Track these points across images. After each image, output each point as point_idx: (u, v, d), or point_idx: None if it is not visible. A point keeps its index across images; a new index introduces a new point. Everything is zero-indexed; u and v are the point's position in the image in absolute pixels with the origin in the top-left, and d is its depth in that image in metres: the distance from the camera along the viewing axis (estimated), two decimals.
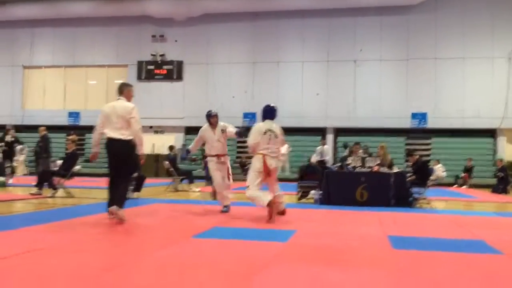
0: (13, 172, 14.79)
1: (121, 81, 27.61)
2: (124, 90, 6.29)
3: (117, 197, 5.91)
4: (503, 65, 20.94)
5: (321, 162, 14.87)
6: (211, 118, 7.97)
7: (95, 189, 12.19)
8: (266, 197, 6.53)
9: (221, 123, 7.99)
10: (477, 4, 21.27)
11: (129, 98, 6.27)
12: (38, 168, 12.19)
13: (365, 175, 9.45)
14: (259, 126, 6.95)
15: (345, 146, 17.64)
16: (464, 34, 21.31)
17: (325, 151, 17.61)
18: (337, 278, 3.46)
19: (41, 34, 25.38)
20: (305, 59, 22.89)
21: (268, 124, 6.95)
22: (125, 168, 6.05)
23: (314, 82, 22.74)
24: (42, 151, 12.11)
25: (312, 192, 9.99)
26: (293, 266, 3.83)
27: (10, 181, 13.35)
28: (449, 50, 21.46)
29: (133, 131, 5.95)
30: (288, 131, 21.89)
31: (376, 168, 9.69)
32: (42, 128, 12.54)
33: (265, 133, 6.79)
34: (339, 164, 11.74)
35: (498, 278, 3.64)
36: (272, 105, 7.22)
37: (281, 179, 20.57)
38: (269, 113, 7.11)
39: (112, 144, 5.94)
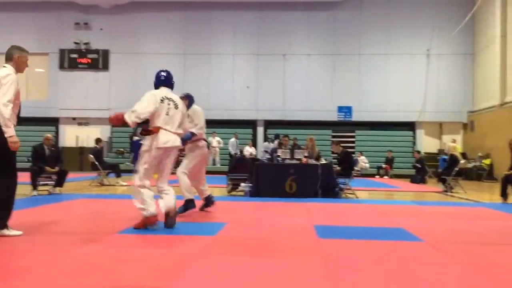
0: None
1: (41, 70, 25.90)
2: (13, 56, 4.78)
3: None
4: (422, 62, 22.16)
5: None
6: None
7: None
8: (152, 207, 5.20)
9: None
10: (399, 3, 22.32)
11: (19, 68, 4.85)
12: None
13: (294, 167, 9.64)
14: (153, 91, 5.54)
15: (276, 136, 17.95)
16: (387, 31, 22.29)
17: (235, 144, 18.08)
18: (263, 267, 3.51)
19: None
20: (236, 51, 22.90)
21: (165, 91, 5.59)
22: None
23: (244, 75, 22.82)
24: None
25: (242, 184, 10.05)
26: (220, 258, 3.83)
27: None
28: (372, 46, 22.36)
29: None
30: (220, 123, 22.15)
31: (304, 160, 9.92)
32: None
33: (162, 101, 5.39)
34: (269, 156, 11.89)
35: (418, 263, 3.86)
36: (167, 70, 5.99)
37: (212, 172, 20.57)
38: (166, 79, 5.79)
39: None
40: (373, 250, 4.30)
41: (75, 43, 22.93)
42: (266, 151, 17.62)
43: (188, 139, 6.30)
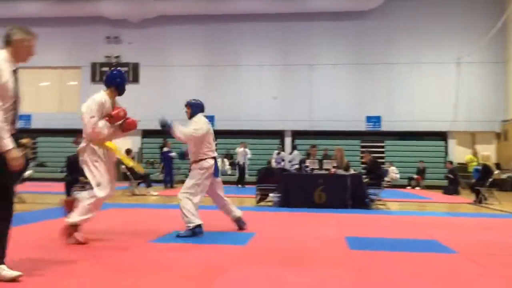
0: None
1: (74, 82, 26.46)
2: (12, 38, 3.52)
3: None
4: (453, 70, 21.77)
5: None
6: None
7: (47, 194, 11.78)
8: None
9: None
10: (427, 10, 22.05)
11: (19, 54, 3.59)
12: None
13: (323, 177, 9.58)
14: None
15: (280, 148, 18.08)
16: (415, 40, 22.02)
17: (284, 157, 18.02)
18: (295, 279, 3.49)
19: None
20: (262, 62, 23.00)
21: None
22: None
23: (271, 86, 22.88)
24: None
25: (271, 195, 10.04)
26: (252, 268, 3.83)
27: None
28: (400, 55, 22.12)
29: None
30: (247, 133, 22.19)
31: (333, 171, 9.85)
32: None
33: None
34: (297, 166, 11.85)
35: (453, 275, 3.77)
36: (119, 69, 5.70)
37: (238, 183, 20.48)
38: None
39: None
40: (406, 262, 4.23)
41: (106, 56, 23.49)
42: (278, 162, 17.75)
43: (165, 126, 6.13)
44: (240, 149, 18.73)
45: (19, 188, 10.03)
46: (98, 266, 3.81)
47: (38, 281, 3.29)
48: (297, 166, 13.03)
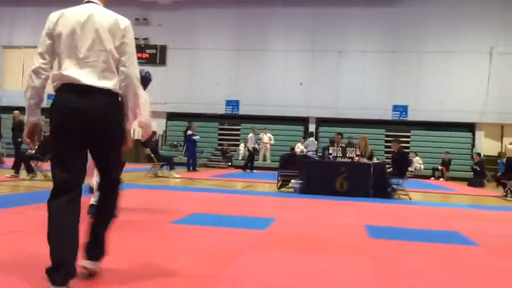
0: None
1: None
2: None
3: (94, 240, 2.88)
4: (484, 60, 21.23)
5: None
6: None
7: None
8: None
9: None
10: (467, 0, 21.47)
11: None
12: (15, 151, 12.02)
13: (345, 165, 9.53)
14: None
15: (310, 134, 18.10)
16: (450, 28, 21.50)
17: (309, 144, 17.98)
18: (314, 265, 3.50)
19: (23, 14, 24.81)
20: (290, 48, 22.86)
21: None
22: (111, 157, 2.84)
23: (298, 72, 22.75)
24: (17, 136, 11.99)
25: (293, 181, 10.05)
26: (270, 253, 3.86)
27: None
28: (433, 44, 21.65)
29: (126, 77, 2.77)
30: (271, 119, 22.17)
31: (356, 159, 9.79)
32: (17, 112, 12.38)
33: None
34: (320, 153, 11.81)
35: (473, 267, 3.73)
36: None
37: (262, 168, 20.75)
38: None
39: (79, 100, 2.63)
40: (426, 252, 4.19)
41: (135, 38, 23.66)
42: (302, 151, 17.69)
43: None
44: (250, 135, 18.83)
45: (46, 165, 10.30)
46: (119, 247, 3.90)
47: None
48: (311, 153, 13.00)
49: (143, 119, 4.87)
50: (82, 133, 2.62)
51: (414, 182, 13.56)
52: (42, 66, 2.68)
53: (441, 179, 18.66)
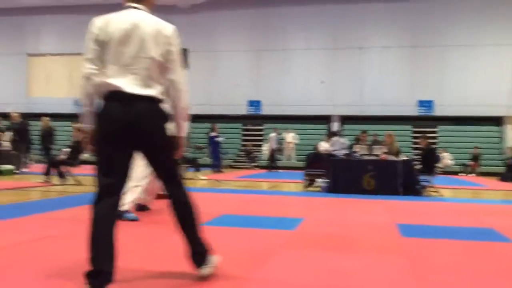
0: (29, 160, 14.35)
1: None
2: None
3: (195, 247, 2.94)
4: (510, 52, 20.71)
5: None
6: None
7: None
8: None
9: None
10: None
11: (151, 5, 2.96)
12: (45, 157, 12.29)
13: (372, 163, 9.42)
14: None
15: (333, 133, 17.86)
16: (471, 20, 21.07)
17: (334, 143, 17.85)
18: (346, 264, 3.46)
19: (47, 22, 25.34)
20: (310, 46, 22.73)
21: None
22: (163, 162, 2.87)
23: (319, 70, 22.61)
24: (47, 142, 12.27)
25: (319, 180, 9.98)
26: (300, 253, 3.83)
27: (26, 169, 13.37)
28: (456, 37, 21.24)
29: (174, 84, 2.81)
30: (294, 119, 22.09)
31: (383, 157, 9.66)
32: (46, 119, 12.68)
33: None
34: (346, 152, 11.70)
35: (508, 265, 3.62)
36: None
37: (287, 167, 20.73)
38: None
39: (123, 108, 2.66)
40: (460, 250, 4.10)
41: None
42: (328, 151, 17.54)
43: None
44: (271, 135, 18.82)
45: (76, 170, 10.49)
46: (151, 248, 3.92)
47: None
48: (336, 152, 12.87)
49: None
50: (127, 140, 2.66)
51: (443, 179, 13.32)
52: (92, 72, 2.69)
53: (471, 174, 18.29)
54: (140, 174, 5.20)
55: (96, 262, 2.50)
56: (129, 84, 2.66)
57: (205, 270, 2.88)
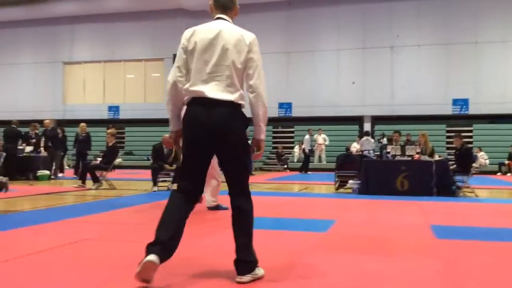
0: (62, 166, 14.72)
1: (157, 74, 27.72)
2: (235, 3, 3.30)
3: (242, 255, 2.98)
4: None
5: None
6: None
7: (135, 181, 12.46)
8: None
9: None
10: None
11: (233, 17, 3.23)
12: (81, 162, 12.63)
13: (405, 163, 9.27)
14: None
15: (383, 135, 17.57)
16: (506, 16, 20.49)
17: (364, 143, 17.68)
18: (379, 266, 3.41)
19: (80, 30, 26.04)
20: (341, 47, 22.57)
21: None
22: (238, 164, 2.99)
23: (350, 70, 22.42)
24: (84, 147, 12.62)
25: (350, 181, 9.88)
26: (333, 255, 3.80)
27: (61, 175, 13.76)
28: (490, 33, 20.69)
29: (254, 89, 2.98)
30: (325, 120, 21.94)
31: (416, 157, 9.49)
32: (83, 125, 13.02)
33: None
34: (378, 153, 11.56)
35: None
36: None
37: (318, 169, 20.63)
38: None
39: (206, 112, 2.88)
40: (497, 252, 3.98)
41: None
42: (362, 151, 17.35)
43: None
44: (306, 137, 18.69)
45: (109, 175, 10.73)
46: (185, 250, 3.97)
47: (129, 264, 3.49)
48: (367, 153, 12.73)
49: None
50: (209, 142, 2.89)
51: (479, 179, 12.98)
52: (179, 79, 2.98)
53: (509, 174, 17.76)
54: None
55: (158, 235, 2.80)
56: (212, 90, 2.88)
57: (246, 278, 2.93)
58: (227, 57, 2.93)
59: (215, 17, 3.12)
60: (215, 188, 6.49)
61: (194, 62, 2.94)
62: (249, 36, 3.06)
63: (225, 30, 3.00)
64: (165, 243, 2.79)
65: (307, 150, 18.38)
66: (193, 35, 3.01)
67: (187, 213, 2.97)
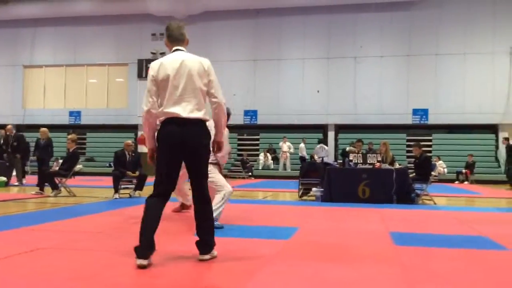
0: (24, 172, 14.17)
1: (121, 79, 27.26)
2: (185, 36, 3.84)
3: (203, 241, 3.78)
4: (504, 60, 20.89)
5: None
6: None
7: (96, 188, 12.18)
8: None
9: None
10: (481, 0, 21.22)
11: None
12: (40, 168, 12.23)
13: (367, 171, 9.43)
14: None
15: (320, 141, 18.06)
16: (465, 29, 21.26)
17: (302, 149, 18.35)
18: (340, 274, 3.45)
19: (42, 33, 25.38)
20: (306, 56, 22.86)
21: None
22: (202, 169, 3.74)
23: (315, 79, 22.72)
24: (44, 153, 12.24)
25: (314, 189, 9.98)
26: (295, 263, 3.82)
27: (24, 181, 13.25)
28: (450, 46, 21.42)
29: (217, 104, 3.71)
30: (290, 128, 22.12)
31: (378, 165, 9.68)
32: (44, 130, 12.64)
33: None
34: (340, 160, 11.72)
35: (504, 273, 3.62)
36: None
37: (283, 177, 20.71)
38: None
39: (179, 129, 3.53)
40: (454, 258, 4.10)
41: (152, 53, 23.94)
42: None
43: None
44: (301, 145, 19.43)
45: (70, 182, 10.45)
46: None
47: (85, 273, 3.40)
48: (319, 160, 12.89)
49: (222, 153, 4.85)
50: (181, 153, 3.58)
51: (438, 187, 13.35)
52: (152, 105, 3.60)
53: (466, 182, 18.34)
54: (222, 182, 5.64)
55: (142, 238, 3.45)
56: (183, 110, 3.54)
57: (206, 257, 3.69)
58: (192, 81, 3.57)
59: (173, 49, 3.73)
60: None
61: (164, 88, 3.55)
62: (205, 62, 3.70)
63: (186, 60, 3.62)
64: (149, 242, 3.47)
65: (307, 157, 18.71)
66: (160, 67, 3.58)
67: (162, 210, 3.60)
